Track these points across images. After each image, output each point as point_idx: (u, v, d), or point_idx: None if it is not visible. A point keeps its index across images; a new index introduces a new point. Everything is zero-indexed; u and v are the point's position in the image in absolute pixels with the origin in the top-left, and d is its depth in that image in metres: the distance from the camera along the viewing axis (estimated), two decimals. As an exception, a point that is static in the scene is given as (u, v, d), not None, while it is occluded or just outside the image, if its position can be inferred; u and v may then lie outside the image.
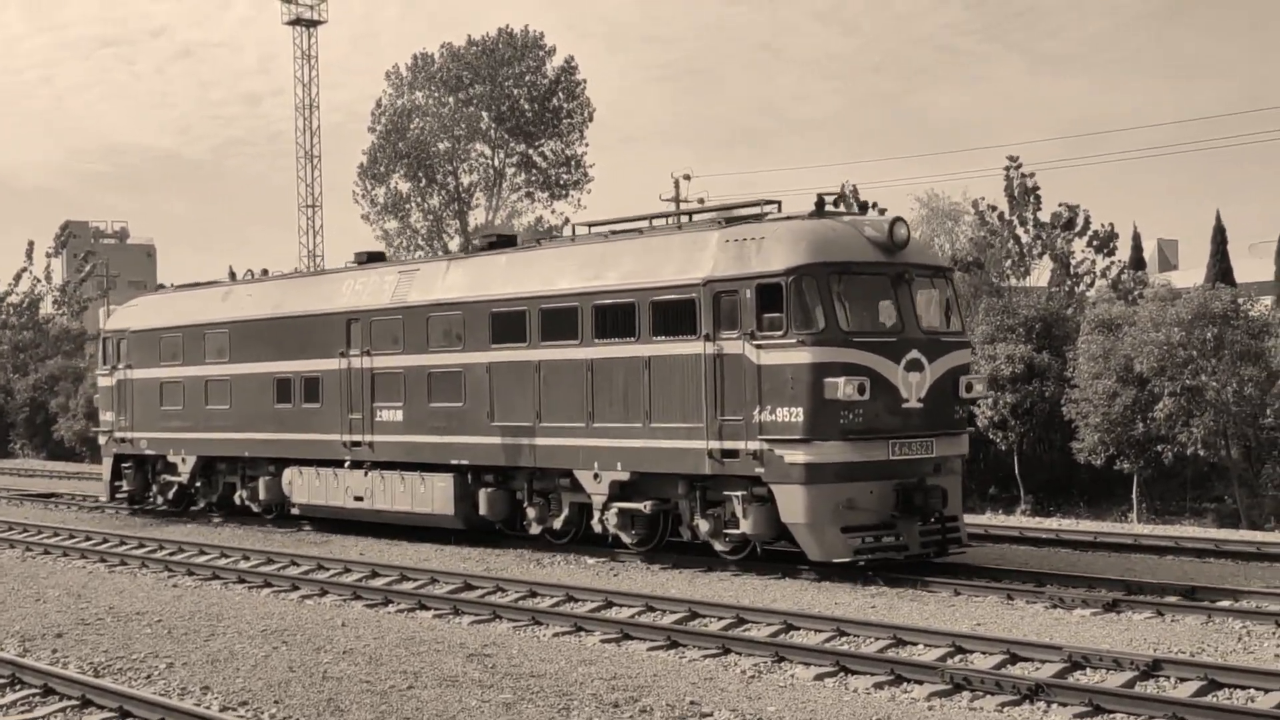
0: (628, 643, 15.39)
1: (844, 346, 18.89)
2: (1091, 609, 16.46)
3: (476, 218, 69.47)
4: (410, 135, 67.97)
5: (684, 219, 21.60)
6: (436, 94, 68.41)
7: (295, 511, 27.84)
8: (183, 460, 30.36)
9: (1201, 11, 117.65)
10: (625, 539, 21.64)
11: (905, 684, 13.07)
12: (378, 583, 20.12)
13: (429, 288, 24.62)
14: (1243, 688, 12.34)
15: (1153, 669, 12.87)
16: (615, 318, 21.20)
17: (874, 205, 19.82)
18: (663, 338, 20.49)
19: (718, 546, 20.47)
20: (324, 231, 73.80)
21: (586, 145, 70.02)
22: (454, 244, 68.63)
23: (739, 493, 19.67)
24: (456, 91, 67.88)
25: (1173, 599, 16.79)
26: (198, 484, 30.49)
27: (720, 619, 16.34)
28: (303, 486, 27.08)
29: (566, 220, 66.86)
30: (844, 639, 15.04)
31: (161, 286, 32.91)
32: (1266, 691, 12.17)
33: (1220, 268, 58.67)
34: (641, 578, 20.17)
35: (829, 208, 20.14)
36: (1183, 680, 12.65)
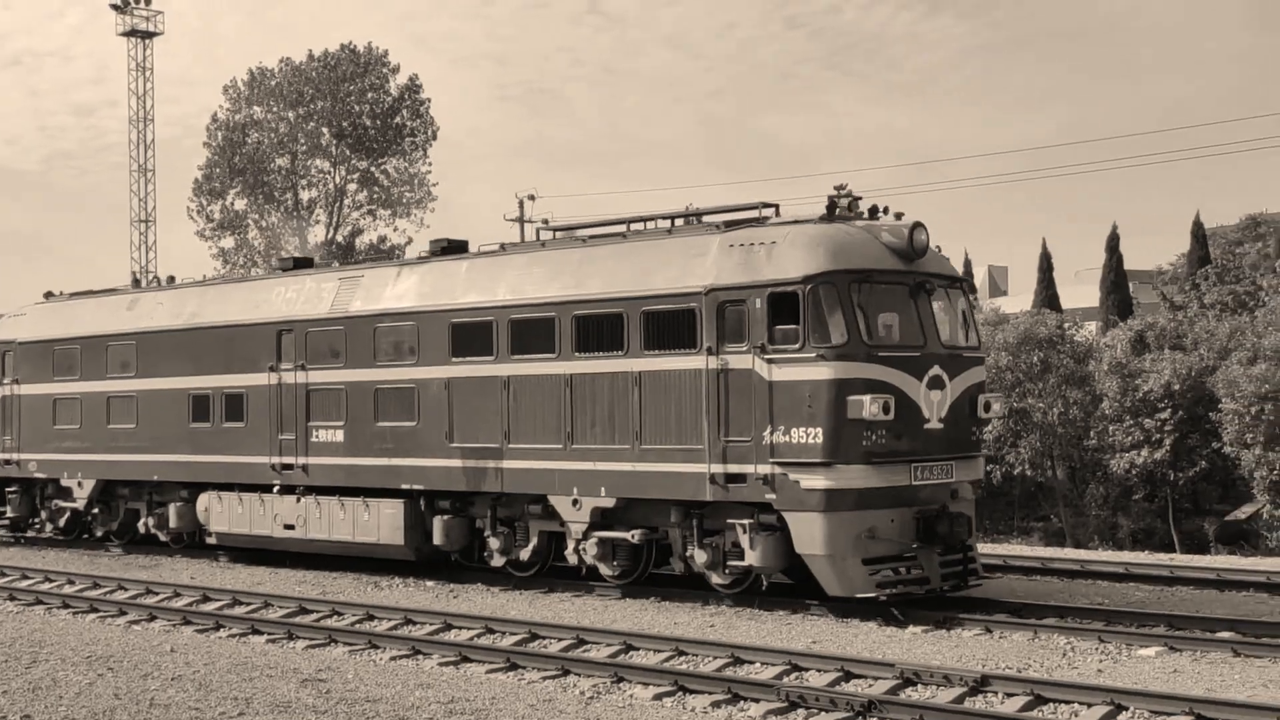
0: (467, 665, 15.30)
1: (868, 362, 17.32)
2: (923, 626, 16.76)
3: (317, 235, 68.10)
4: (247, 150, 66.26)
5: (676, 223, 19.87)
6: (276, 109, 66.91)
7: (211, 541, 25.42)
8: (79, 484, 27.65)
9: (1031, 46, 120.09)
10: (605, 571, 19.79)
11: (742, 702, 13.17)
12: (209, 607, 19.55)
13: (376, 296, 22.51)
14: (1066, 702, 12.65)
15: (981, 684, 13.15)
16: (599, 329, 19.38)
17: (885, 210, 18.18)
18: (656, 351, 18.73)
19: (715, 580, 18.72)
20: (157, 248, 71.01)
21: (430, 163, 69.03)
22: None
23: (744, 521, 17.97)
24: (297, 107, 66.47)
25: (1001, 616, 17.08)
26: (95, 510, 27.81)
27: (560, 640, 16.23)
28: (222, 513, 24.69)
29: (410, 240, 65.78)
30: (683, 658, 15.08)
31: (51, 294, 30.10)
32: (1089, 706, 12.47)
33: (1047, 294, 59.39)
34: (481, 599, 19.97)
35: (840, 211, 18.55)
36: (1009, 695, 12.93)
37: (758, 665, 14.57)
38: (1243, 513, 35.67)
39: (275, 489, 23.80)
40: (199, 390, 25.15)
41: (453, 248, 22.81)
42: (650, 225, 20.16)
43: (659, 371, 18.66)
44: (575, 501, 19.61)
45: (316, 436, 23.11)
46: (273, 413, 23.75)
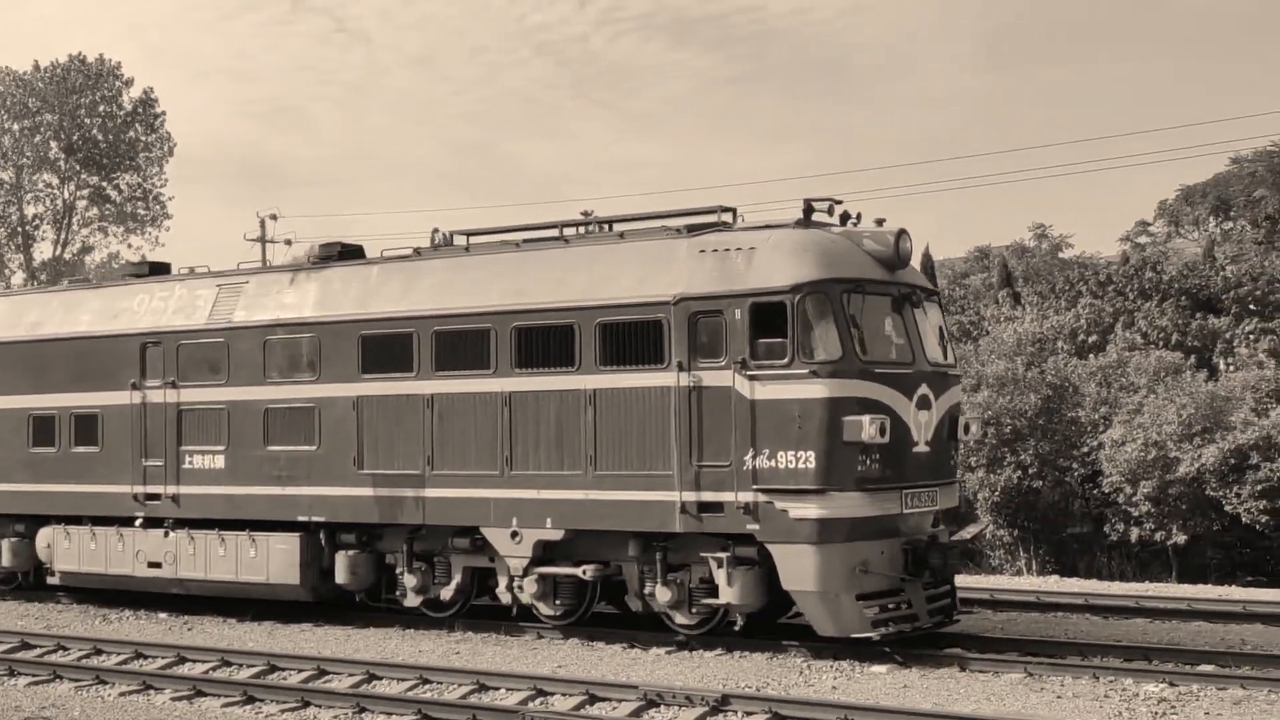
0: (201, 700, 14.91)
1: (862, 379, 15.87)
2: (666, 648, 16.85)
3: (43, 251, 64.74)
4: (-35, 163, 62.49)
5: (625, 226, 18.08)
6: None
7: (54, 580, 22.46)
8: (-115, 518, 24.21)
9: (779, 78, 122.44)
10: (545, 611, 17.83)
11: (490, 730, 13.05)
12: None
13: (265, 304, 20.08)
14: (803, 719, 12.96)
15: (722, 704, 13.41)
16: (545, 342, 17.47)
17: (858, 216, 16.78)
18: (614, 367, 16.93)
19: (679, 620, 16.96)
20: None
21: (166, 179, 66.22)
22: (16, 279, 62.84)
23: (719, 554, 16.29)
24: (22, 119, 62.76)
25: (741, 637, 16.94)
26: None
27: (300, 671, 15.85)
28: (70, 550, 21.78)
29: (143, 258, 62.72)
30: (427, 686, 14.94)
31: None
32: (826, 722, 12.77)
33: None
34: (218, 630, 19.36)
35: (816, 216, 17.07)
36: (749, 714, 13.15)
37: (503, 691, 14.48)
38: (968, 533, 36.86)
39: (138, 522, 21.07)
40: (41, 411, 22.20)
41: (349, 252, 20.54)
42: (583, 230, 18.32)
43: (618, 389, 16.87)
44: (514, 534, 17.61)
45: (190, 462, 20.50)
46: (135, 436, 21.03)
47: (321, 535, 19.46)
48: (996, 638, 17.08)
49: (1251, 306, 44.95)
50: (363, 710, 13.94)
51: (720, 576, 16.26)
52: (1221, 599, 21.60)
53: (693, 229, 17.23)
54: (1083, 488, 34.35)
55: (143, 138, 64.89)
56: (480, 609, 19.00)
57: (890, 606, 16.02)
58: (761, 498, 15.87)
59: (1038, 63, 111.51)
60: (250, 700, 14.63)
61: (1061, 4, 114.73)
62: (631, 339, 16.81)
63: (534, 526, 17.45)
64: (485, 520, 17.85)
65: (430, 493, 18.27)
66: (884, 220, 16.98)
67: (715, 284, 16.30)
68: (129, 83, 64.55)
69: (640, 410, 16.68)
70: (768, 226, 16.85)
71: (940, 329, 17.56)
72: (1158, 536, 32.69)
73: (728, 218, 17.53)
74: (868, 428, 15.52)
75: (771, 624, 17.33)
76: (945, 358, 17.40)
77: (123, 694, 15.28)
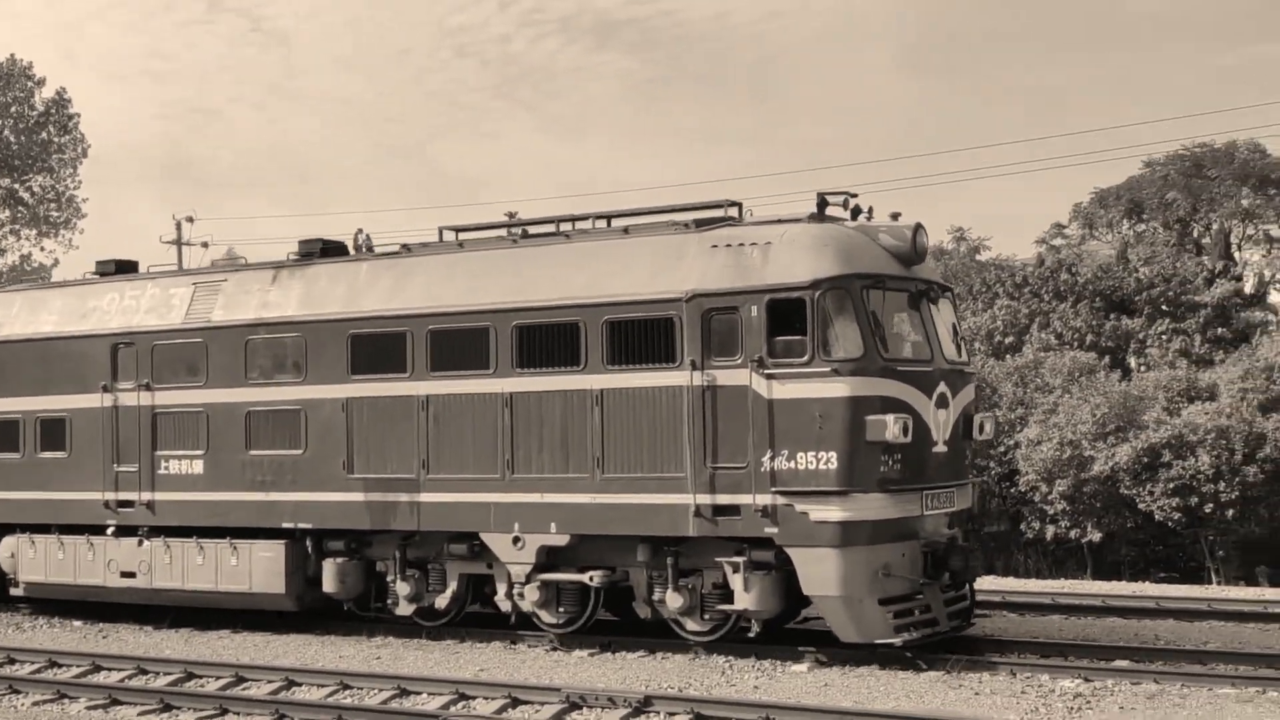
0: (117, 709, 14.75)
1: (884, 377, 15.42)
2: (589, 650, 16.83)
3: None
4: None
5: (628, 221, 17.51)
6: None
7: (17, 591, 21.53)
8: None
9: (700, 81, 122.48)
10: (546, 619, 17.22)
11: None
12: None
13: (246, 303, 19.31)
14: (725, 719, 13.09)
15: (644, 705, 13.48)
16: (549, 341, 16.87)
17: (870, 210, 16.34)
18: (622, 366, 16.37)
19: (690, 626, 16.43)
20: None
21: (80, 181, 64.49)
22: None
23: (735, 559, 15.77)
24: None
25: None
26: None
27: (219, 678, 15.72)
28: (36, 560, 20.86)
29: (56, 262, 61.67)
30: (348, 692, 14.85)
31: None
32: (748, 722, 12.90)
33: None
34: (134, 638, 19.11)
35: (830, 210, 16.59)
36: (672, 715, 13.25)
37: (424, 696, 14.46)
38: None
39: (109, 530, 20.22)
40: (3, 415, 21.27)
41: (330, 249, 19.81)
42: (575, 226, 17.74)
43: (627, 389, 16.31)
44: (516, 539, 17.00)
45: (166, 468, 19.68)
46: (107, 440, 20.17)
47: (308, 542, 18.72)
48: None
49: (1164, 307, 45.61)
50: (282, 717, 13.89)
51: (736, 582, 15.74)
52: (1135, 595, 21.86)
53: (701, 224, 16.70)
54: (999, 486, 34.51)
55: (55, 139, 63.11)
56: (474, 617, 18.38)
57: (915, 613, 15.59)
58: (780, 500, 15.37)
59: (957, 69, 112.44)
60: (167, 708, 14.50)
61: (981, 12, 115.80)
62: (641, 337, 16.26)
63: (537, 531, 16.85)
64: (485, 525, 17.21)
65: (425, 497, 17.61)
66: (899, 214, 16.55)
67: (730, 280, 15.79)
68: (40, 83, 63.00)
69: (651, 411, 16.14)
70: (780, 221, 16.36)
71: (954, 326, 17.16)
72: (1073, 534, 32.96)
73: (734, 212, 17.04)
74: (891, 427, 15.07)
75: (780, 629, 16.84)
76: (960, 355, 16.99)
77: (36, 703, 15.00)
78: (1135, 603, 20.35)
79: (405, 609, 18.18)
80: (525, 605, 17.21)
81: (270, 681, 15.36)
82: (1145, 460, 31.82)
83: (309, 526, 18.54)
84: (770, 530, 15.44)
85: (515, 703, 13.90)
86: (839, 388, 15.18)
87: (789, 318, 15.48)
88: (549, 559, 16.97)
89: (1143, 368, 42.22)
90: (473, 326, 17.34)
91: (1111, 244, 55.77)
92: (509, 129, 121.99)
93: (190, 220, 52.69)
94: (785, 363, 15.44)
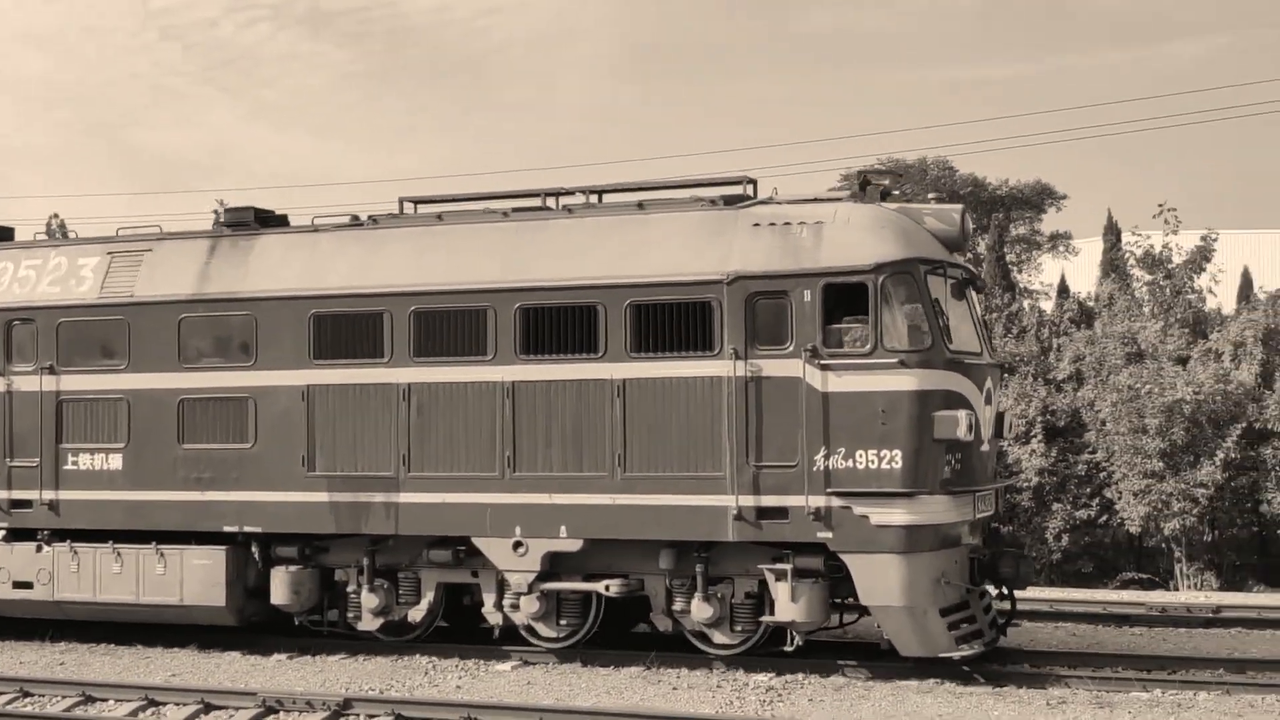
0: None
1: (949, 370, 14.33)
2: (288, 653, 16.45)
3: None
4: None
5: (640, 196, 15.93)
6: None
7: (-128, 606, 18.59)
8: None
9: (414, 76, 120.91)
10: (545, 633, 15.54)
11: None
12: None
13: (177, 276, 16.97)
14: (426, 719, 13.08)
15: (344, 708, 13.31)
16: (560, 325, 15.22)
17: (903, 192, 15.24)
18: (649, 354, 14.85)
19: (719, 639, 15.01)
20: None
21: None
22: None
23: (779, 566, 14.44)
24: None
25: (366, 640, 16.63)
26: None
27: None
28: (-99, 568, 18.00)
29: None
30: (28, 700, 14.28)
31: None
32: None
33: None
34: None
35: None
36: (372, 717, 13.21)
37: (111, 703, 14.05)
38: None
39: (0, 534, 17.59)
40: None
41: (265, 219, 17.63)
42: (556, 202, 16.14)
43: (655, 379, 14.79)
44: (518, 544, 15.28)
45: (74, 463, 17.19)
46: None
47: (254, 548, 16.57)
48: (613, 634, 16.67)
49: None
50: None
51: (780, 591, 14.39)
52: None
53: (730, 200, 15.30)
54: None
55: None
56: (441, 632, 16.57)
57: (965, 621, 14.57)
58: (836, 502, 14.11)
59: (674, 77, 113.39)
60: None
61: (698, 22, 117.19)
62: (672, 322, 14.77)
63: (544, 536, 15.18)
64: (479, 529, 15.43)
65: (406, 497, 15.71)
66: (939, 196, 15.47)
67: (778, 262, 14.45)
68: None
69: (684, 403, 14.67)
70: (822, 200, 15.13)
71: (983, 319, 16.22)
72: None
73: (750, 189, 15.70)
74: (962, 424, 14.00)
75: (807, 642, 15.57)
76: (991, 348, 16.07)
77: None
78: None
79: (370, 623, 16.21)
80: (519, 618, 15.51)
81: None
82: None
83: (257, 530, 16.39)
84: (823, 535, 14.17)
85: (208, 708, 13.62)
86: (905, 381, 14.01)
87: (848, 304, 14.26)
88: (554, 566, 15.32)
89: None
90: (468, 307, 15.54)
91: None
92: (214, 115, 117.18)
93: None
94: (843, 353, 14.20)
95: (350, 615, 16.35)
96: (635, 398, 14.83)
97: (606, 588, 15.09)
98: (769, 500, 14.36)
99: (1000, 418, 15.77)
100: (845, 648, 15.64)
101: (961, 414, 14.03)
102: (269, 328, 16.34)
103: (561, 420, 15.12)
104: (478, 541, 15.46)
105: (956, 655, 14.23)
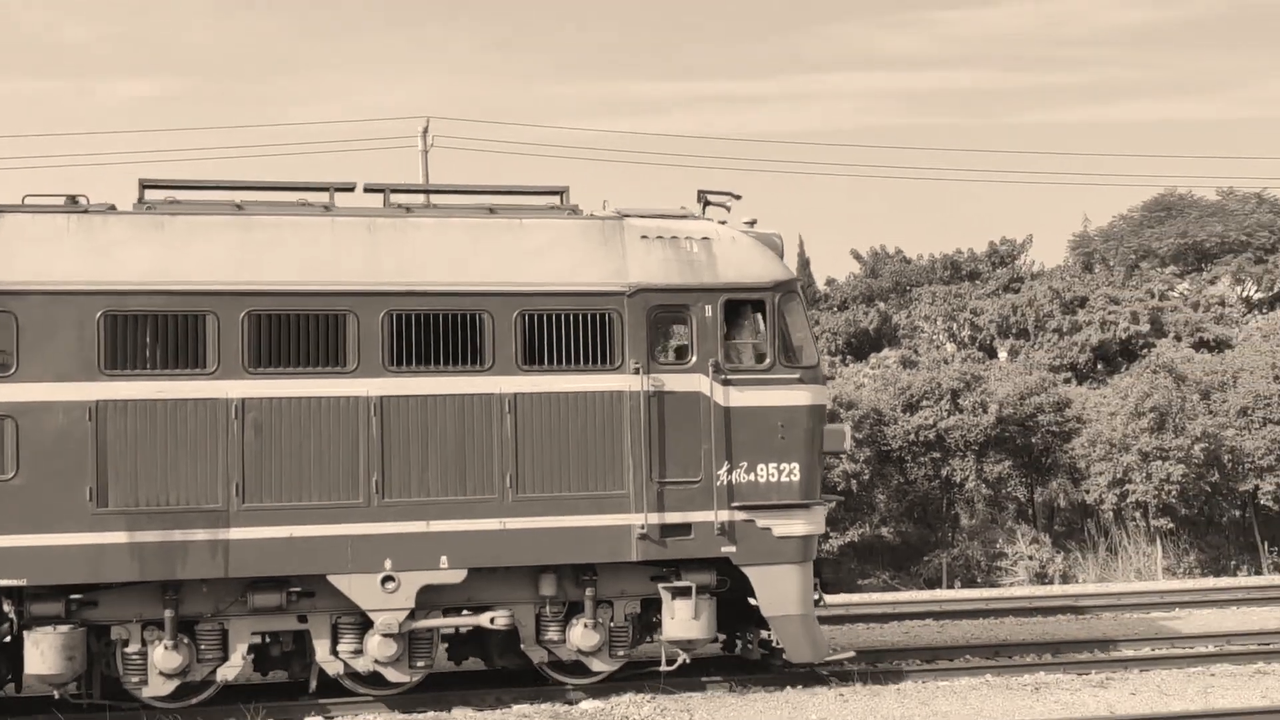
0: None
1: (825, 385, 15.01)
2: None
3: None
4: None
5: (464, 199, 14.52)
6: None
7: None
8: None
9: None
10: (395, 678, 13.88)
11: None
12: None
13: (-121, 260, 12.99)
14: None
15: None
16: (438, 334, 13.81)
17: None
18: (543, 366, 13.99)
19: (597, 666, 14.36)
20: None
21: None
22: None
23: (680, 583, 14.21)
24: None
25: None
26: None
27: None
28: None
29: None
30: None
31: None
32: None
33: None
34: None
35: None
36: None
37: None
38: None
39: None
40: None
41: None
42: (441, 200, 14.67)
43: (550, 394, 13.95)
44: (388, 579, 13.58)
45: None
46: None
47: (3, 605, 13.11)
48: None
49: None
50: None
51: (680, 609, 14.17)
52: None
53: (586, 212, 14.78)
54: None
55: None
56: (227, 692, 14.14)
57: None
58: (740, 516, 14.24)
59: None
60: None
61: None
62: (569, 334, 14.02)
63: (420, 568, 13.64)
64: (338, 565, 13.50)
65: (239, 533, 13.32)
66: (755, 221, 16.06)
67: (677, 275, 14.30)
68: None
69: (581, 420, 13.98)
70: (684, 216, 14.99)
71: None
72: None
73: (556, 200, 15.19)
74: (848, 436, 14.76)
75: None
76: None
77: None
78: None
79: (161, 688, 13.46)
80: (362, 664, 13.76)
81: None
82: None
83: (19, 583, 12.99)
84: (728, 549, 14.21)
85: None
86: (802, 395, 14.49)
87: (747, 320, 14.47)
88: (422, 602, 13.80)
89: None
90: (322, 311, 13.58)
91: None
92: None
93: None
94: (745, 368, 14.38)
95: (134, 680, 13.45)
96: (528, 413, 13.86)
97: (492, 620, 13.89)
98: (673, 517, 14.12)
99: None
100: (709, 664, 15.57)
101: (846, 427, 14.77)
102: (37, 331, 13.06)
103: (441, 439, 13.71)
104: (335, 580, 13.51)
105: (844, 658, 14.88)
